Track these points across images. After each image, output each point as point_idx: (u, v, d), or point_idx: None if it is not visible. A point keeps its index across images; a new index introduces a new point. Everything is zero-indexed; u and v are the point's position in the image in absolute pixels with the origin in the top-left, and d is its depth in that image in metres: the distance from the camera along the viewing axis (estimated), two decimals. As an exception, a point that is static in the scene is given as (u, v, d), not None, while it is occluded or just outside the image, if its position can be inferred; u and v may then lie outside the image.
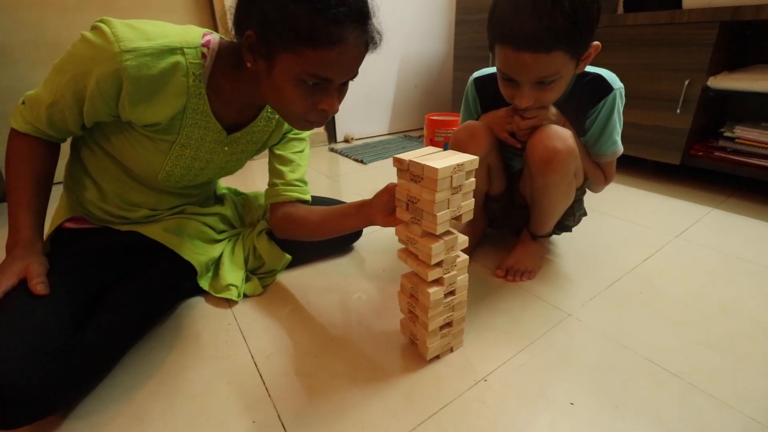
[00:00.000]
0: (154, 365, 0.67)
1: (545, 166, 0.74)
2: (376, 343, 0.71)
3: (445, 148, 1.20)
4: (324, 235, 0.79)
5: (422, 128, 2.37)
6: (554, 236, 1.03)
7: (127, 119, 0.62)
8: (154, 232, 0.79)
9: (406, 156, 0.55)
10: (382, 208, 0.66)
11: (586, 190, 0.89)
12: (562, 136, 0.73)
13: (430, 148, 0.58)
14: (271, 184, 0.84)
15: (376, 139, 2.23)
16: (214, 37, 0.63)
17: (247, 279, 0.87)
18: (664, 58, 1.29)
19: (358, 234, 1.02)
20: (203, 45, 0.61)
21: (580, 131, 0.82)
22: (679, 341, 0.71)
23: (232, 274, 0.85)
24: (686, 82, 1.26)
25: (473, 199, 0.57)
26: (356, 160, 1.82)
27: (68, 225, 0.77)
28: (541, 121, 0.75)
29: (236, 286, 0.83)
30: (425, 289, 0.59)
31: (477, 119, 0.87)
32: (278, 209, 0.83)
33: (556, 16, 0.59)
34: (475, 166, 0.54)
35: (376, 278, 0.91)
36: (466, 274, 0.62)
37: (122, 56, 0.54)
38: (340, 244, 1.01)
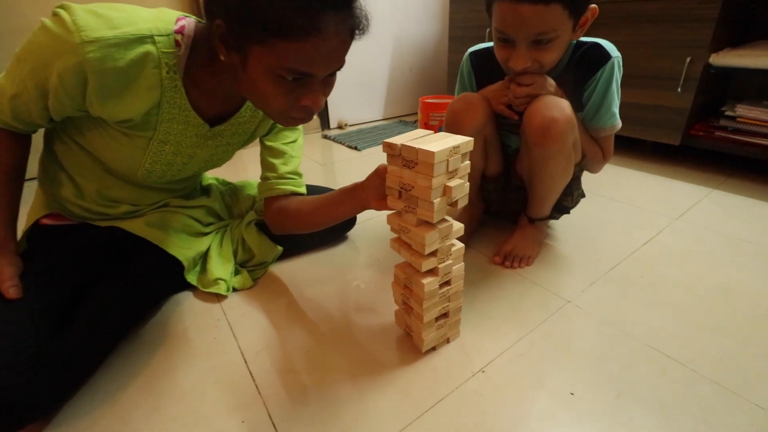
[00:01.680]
0: (139, 365, 0.64)
1: (543, 135, 0.71)
2: (371, 336, 0.69)
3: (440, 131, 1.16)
4: (319, 224, 0.76)
5: (417, 113, 2.33)
6: (552, 221, 1.00)
7: (96, 115, 0.57)
8: (136, 227, 0.75)
9: (397, 140, 0.51)
10: (374, 192, 0.63)
11: (584, 169, 0.86)
12: (559, 105, 0.70)
13: (421, 131, 0.54)
14: (264, 178, 0.80)
15: (371, 124, 2.18)
16: (189, 22, 0.57)
17: (237, 272, 0.84)
18: (666, 35, 1.25)
19: (352, 222, 0.99)
20: (177, 32, 0.55)
21: (577, 106, 0.79)
22: (680, 326, 0.69)
23: (221, 268, 0.82)
24: (688, 60, 1.22)
25: (468, 183, 0.53)
26: (350, 147, 1.78)
27: (45, 221, 0.73)
28: (538, 90, 0.72)
29: (225, 280, 0.81)
30: (419, 279, 0.56)
31: None
32: (272, 204, 0.79)
33: None
34: (470, 147, 0.51)
35: (371, 268, 0.89)
36: (462, 264, 0.60)
37: (84, 48, 0.48)
38: (334, 233, 0.98)
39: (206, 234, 0.86)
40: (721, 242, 0.93)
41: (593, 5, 0.66)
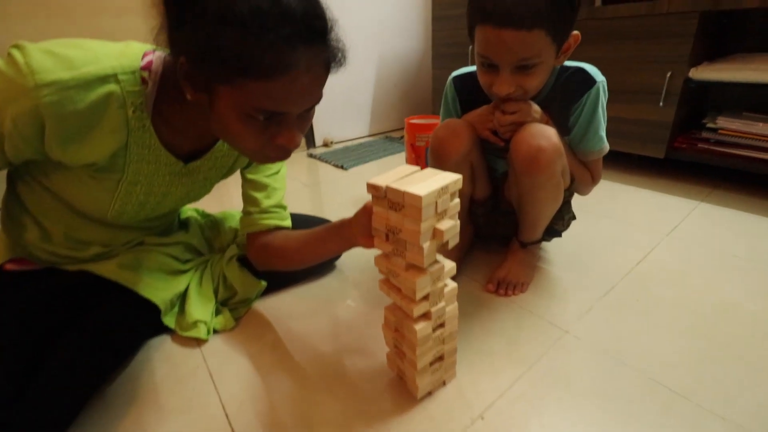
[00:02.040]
0: (109, 425, 0.59)
1: (530, 165, 0.69)
2: (362, 381, 0.65)
3: (428, 153, 1.14)
4: (305, 262, 0.72)
5: (404, 129, 2.32)
6: (544, 242, 0.98)
7: (57, 160, 0.53)
8: (107, 269, 0.70)
9: (382, 181, 0.48)
10: (361, 229, 0.60)
11: (574, 192, 0.84)
12: (546, 133, 0.69)
13: (405, 168, 0.52)
14: (246, 213, 0.76)
15: (357, 141, 2.16)
16: (157, 57, 0.53)
17: (218, 312, 0.79)
18: (646, 51, 1.26)
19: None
20: (143, 68, 0.52)
21: (563, 130, 0.77)
22: (682, 355, 0.67)
23: (200, 309, 0.77)
24: (668, 75, 1.23)
25: (458, 222, 0.51)
26: (336, 166, 1.75)
27: (9, 267, 0.68)
28: (524, 118, 0.70)
29: (205, 322, 0.76)
30: (411, 325, 0.52)
31: None
32: (255, 239, 0.75)
33: None
34: (459, 186, 0.48)
35: (361, 300, 0.85)
36: (456, 304, 0.57)
37: (39, 91, 0.44)
38: (321, 263, 0.94)
39: (185, 271, 0.81)
40: (714, 259, 0.92)
41: (576, 32, 0.65)
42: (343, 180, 1.59)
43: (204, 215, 0.93)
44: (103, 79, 0.48)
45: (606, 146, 0.78)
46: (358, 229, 0.59)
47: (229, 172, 0.75)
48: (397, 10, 2.12)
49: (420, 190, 0.43)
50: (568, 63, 0.74)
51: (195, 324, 0.75)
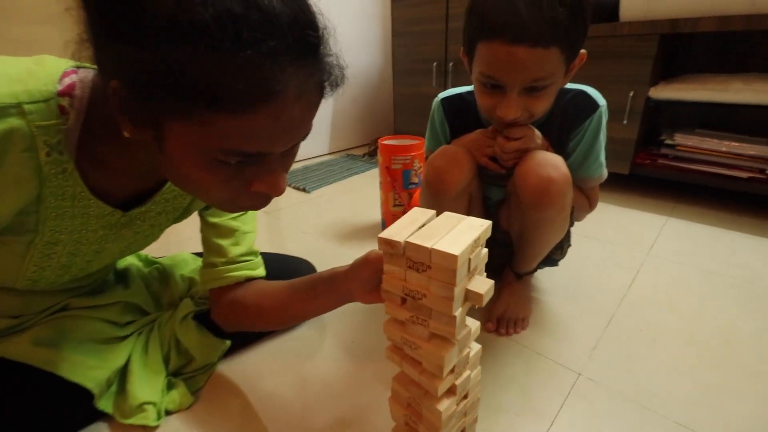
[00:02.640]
0: None
1: (540, 198, 0.62)
2: (363, 464, 0.53)
3: (405, 177, 1.05)
4: (287, 322, 0.60)
5: (366, 145, 2.23)
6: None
7: None
8: (18, 349, 0.53)
9: (397, 233, 0.38)
10: (362, 285, 0.49)
11: (574, 221, 0.80)
12: (554, 163, 0.62)
13: (415, 213, 0.42)
14: (208, 264, 0.61)
15: (317, 160, 2.03)
16: (82, 77, 0.39)
17: (170, 385, 0.64)
18: (608, 71, 1.29)
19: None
20: (63, 93, 0.37)
21: (561, 155, 0.72)
22: (699, 390, 0.63)
23: (146, 387, 0.60)
24: (631, 94, 1.26)
25: (485, 275, 0.42)
26: (298, 189, 1.61)
27: None
28: (528, 144, 0.64)
29: (153, 404, 0.60)
30: (433, 405, 0.42)
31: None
32: (222, 296, 0.61)
33: (556, 6, 0.51)
34: (489, 234, 0.40)
35: (346, 354, 0.73)
36: (479, 368, 0.47)
37: None
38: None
39: (125, 337, 0.65)
40: (696, 277, 0.92)
41: (583, 50, 0.60)
42: (307, 204, 1.46)
43: (148, 262, 0.76)
44: (1, 111, 0.34)
45: (605, 172, 0.74)
46: (357, 285, 0.48)
47: (184, 215, 0.61)
48: (355, 25, 2.05)
49: (452, 247, 0.34)
50: (568, 85, 0.69)
51: (140, 407, 0.59)
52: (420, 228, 0.39)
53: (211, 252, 0.61)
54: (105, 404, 0.59)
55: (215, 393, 0.66)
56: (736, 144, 1.22)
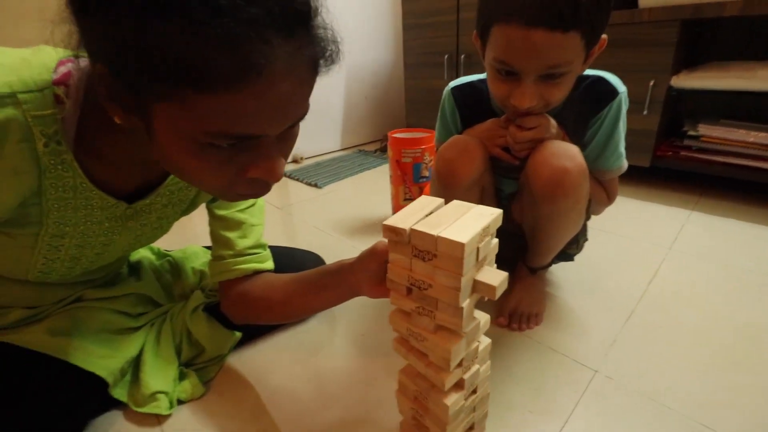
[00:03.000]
0: None
1: (554, 190, 0.60)
2: (371, 458, 0.53)
3: (415, 170, 1.04)
4: (295, 315, 0.60)
5: (378, 141, 2.22)
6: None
7: None
8: (34, 339, 0.54)
9: (402, 220, 0.37)
10: (368, 277, 0.48)
11: (591, 215, 0.77)
12: (569, 153, 0.60)
13: (426, 201, 0.41)
14: (217, 257, 0.61)
15: (329, 156, 2.04)
16: (79, 66, 0.39)
17: (182, 376, 0.64)
18: (628, 59, 1.24)
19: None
20: (58, 82, 0.37)
21: (578, 145, 0.70)
22: (720, 390, 0.60)
23: (159, 377, 0.61)
24: (651, 83, 1.21)
25: (495, 266, 0.40)
26: (310, 185, 1.62)
27: None
28: (543, 134, 0.61)
29: (166, 393, 0.61)
30: (440, 399, 0.41)
31: None
32: (231, 288, 0.61)
33: None
34: (500, 222, 0.38)
35: (356, 348, 0.72)
36: (489, 362, 0.46)
37: None
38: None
39: (138, 328, 0.66)
40: (721, 273, 0.88)
41: (604, 35, 0.58)
42: (319, 200, 1.46)
43: (160, 255, 0.77)
44: None
45: (625, 164, 0.71)
46: (363, 276, 0.47)
47: (191, 207, 0.61)
48: (365, 20, 2.04)
49: (459, 235, 0.33)
50: (585, 71, 0.66)
51: (153, 396, 0.60)
52: (427, 216, 0.38)
53: (219, 245, 0.61)
54: (119, 393, 0.61)
55: (226, 384, 0.66)
56: (764, 135, 1.16)
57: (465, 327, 0.36)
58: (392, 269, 0.40)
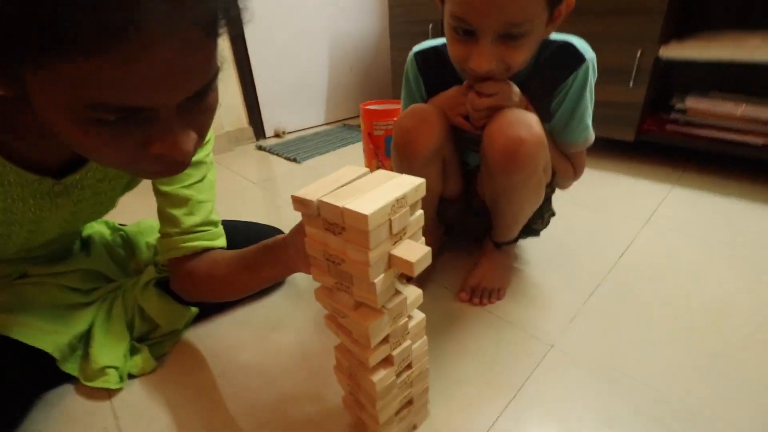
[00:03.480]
0: None
1: (508, 161, 0.57)
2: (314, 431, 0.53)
3: (387, 143, 1.01)
4: (238, 293, 0.58)
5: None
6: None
7: None
8: (-27, 315, 0.53)
9: (314, 191, 0.35)
10: (301, 252, 0.46)
11: (555, 188, 0.75)
12: (526, 121, 0.56)
13: (350, 171, 0.39)
14: (165, 234, 0.59)
15: (312, 131, 1.99)
16: None
17: (134, 351, 0.64)
18: (614, 28, 1.18)
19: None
20: None
21: (544, 116, 0.66)
22: (682, 362, 0.59)
23: (108, 352, 0.61)
24: (638, 53, 1.16)
25: (423, 240, 0.38)
26: (289, 159, 1.59)
27: None
28: (503, 101, 0.58)
29: (116, 368, 0.60)
30: (367, 376, 0.40)
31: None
32: (179, 266, 0.60)
33: None
34: (422, 193, 0.36)
35: (315, 324, 0.72)
36: (425, 338, 0.45)
37: None
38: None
39: (89, 304, 0.65)
40: (695, 246, 0.86)
41: None
42: (297, 174, 1.44)
43: (114, 228, 0.76)
44: None
45: (591, 136, 0.68)
46: (295, 252, 0.46)
47: (132, 183, 0.58)
48: (350, -13, 1.95)
49: (364, 207, 0.31)
50: (552, 36, 0.62)
51: (102, 371, 0.60)
52: (343, 186, 0.35)
53: (165, 222, 0.59)
54: (71, 367, 0.60)
55: (180, 359, 0.66)
56: (753, 108, 1.12)
57: (380, 302, 0.35)
58: (309, 243, 0.38)
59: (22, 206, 0.46)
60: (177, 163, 0.36)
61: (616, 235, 0.92)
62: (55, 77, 0.27)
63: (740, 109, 1.13)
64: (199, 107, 0.35)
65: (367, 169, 0.39)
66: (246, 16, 0.33)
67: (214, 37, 0.32)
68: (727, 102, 1.16)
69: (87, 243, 0.70)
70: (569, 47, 0.62)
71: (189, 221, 0.59)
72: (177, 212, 0.59)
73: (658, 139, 1.26)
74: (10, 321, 0.56)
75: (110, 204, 0.59)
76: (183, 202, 0.59)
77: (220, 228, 0.64)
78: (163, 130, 0.33)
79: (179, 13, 0.28)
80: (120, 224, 0.77)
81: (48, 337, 0.58)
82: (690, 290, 0.74)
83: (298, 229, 0.45)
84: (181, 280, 0.61)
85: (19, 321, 0.56)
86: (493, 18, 0.50)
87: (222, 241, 0.63)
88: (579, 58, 0.61)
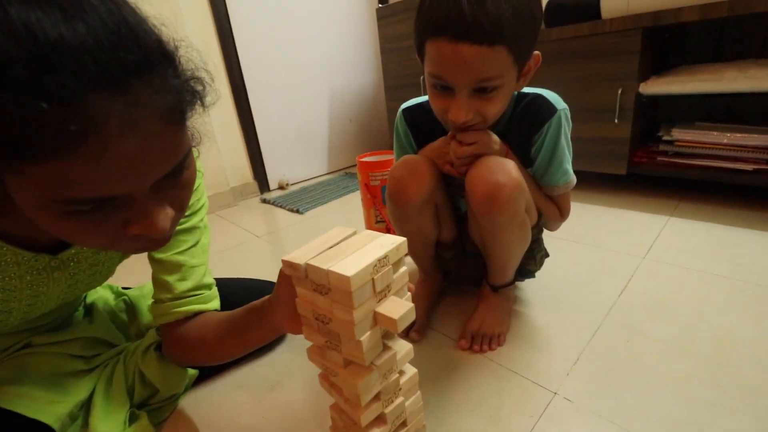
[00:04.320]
0: None
1: (489, 204, 0.60)
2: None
3: (384, 193, 1.04)
4: (230, 356, 0.58)
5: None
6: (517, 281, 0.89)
7: None
8: (-25, 389, 0.54)
9: (300, 256, 0.37)
10: (285, 310, 0.46)
11: (543, 228, 0.76)
12: (504, 167, 0.60)
13: (337, 233, 0.41)
14: (158, 300, 0.61)
15: (315, 181, 2.05)
16: None
17: (133, 418, 0.63)
18: (595, 69, 1.25)
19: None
20: None
21: (526, 161, 0.70)
22: (687, 408, 0.57)
23: (108, 420, 0.60)
24: (619, 91, 1.22)
25: (410, 295, 0.40)
26: (292, 210, 1.63)
27: None
28: (482, 149, 0.62)
29: (115, 437, 0.60)
30: (362, 436, 0.40)
31: None
32: (170, 332, 0.60)
33: (501, 5, 0.49)
34: (404, 251, 0.38)
35: (314, 381, 0.71)
36: (419, 393, 0.45)
37: None
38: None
39: (91, 370, 0.65)
40: (696, 280, 0.85)
41: (537, 52, 0.59)
42: (299, 226, 1.47)
43: (118, 294, 0.77)
44: None
45: (572, 180, 0.70)
46: (280, 310, 0.46)
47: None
48: (345, 45, 2.09)
49: (347, 268, 0.32)
50: (526, 89, 0.67)
51: (101, 440, 0.59)
52: (330, 248, 0.37)
53: (158, 288, 0.60)
54: (69, 438, 0.60)
55: (178, 425, 0.65)
56: (739, 135, 1.15)
57: (368, 359, 0.36)
58: (300, 303, 0.39)
59: (19, 283, 0.47)
60: (154, 241, 0.38)
61: (615, 272, 0.92)
62: (26, 179, 0.29)
63: (726, 137, 1.16)
64: (174, 184, 0.36)
65: (354, 230, 0.41)
66: (202, 95, 0.35)
67: (177, 123, 0.33)
68: (713, 131, 1.19)
69: (90, 309, 0.72)
70: (542, 99, 0.66)
71: (182, 287, 0.60)
72: (170, 278, 0.60)
73: (650, 170, 1.28)
74: (11, 393, 0.56)
75: (108, 272, 0.61)
76: (176, 268, 0.60)
77: (214, 290, 0.65)
78: (137, 213, 0.34)
79: (136, 110, 0.29)
80: (124, 287, 0.79)
81: (48, 407, 0.57)
82: (694, 328, 0.72)
83: (281, 285, 0.46)
84: (172, 345, 0.61)
85: (21, 392, 0.56)
86: (466, 76, 0.54)
87: (215, 304, 0.63)
88: (551, 109, 0.65)
